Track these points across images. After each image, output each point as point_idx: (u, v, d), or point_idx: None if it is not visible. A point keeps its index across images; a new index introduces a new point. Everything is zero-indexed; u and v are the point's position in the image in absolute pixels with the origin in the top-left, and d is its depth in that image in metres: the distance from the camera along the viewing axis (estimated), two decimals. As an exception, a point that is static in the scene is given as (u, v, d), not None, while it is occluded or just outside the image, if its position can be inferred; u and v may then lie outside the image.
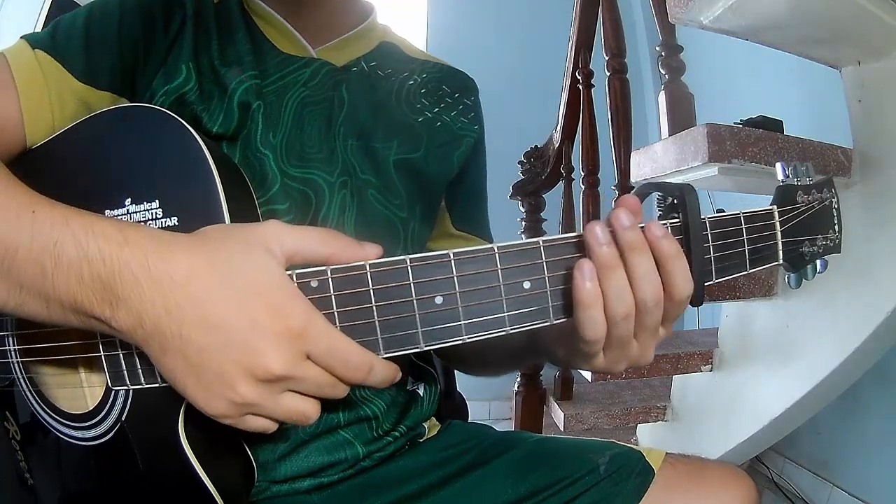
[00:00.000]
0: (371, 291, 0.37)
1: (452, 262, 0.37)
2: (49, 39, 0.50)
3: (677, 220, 0.41)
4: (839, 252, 0.49)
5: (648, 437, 1.65)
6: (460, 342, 0.38)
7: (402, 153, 0.59)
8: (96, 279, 0.34)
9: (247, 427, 0.37)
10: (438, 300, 0.37)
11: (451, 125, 0.65)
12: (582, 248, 0.38)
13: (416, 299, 0.37)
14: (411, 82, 0.65)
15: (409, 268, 0.37)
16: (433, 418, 0.68)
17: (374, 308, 0.37)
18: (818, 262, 0.48)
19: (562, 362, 0.46)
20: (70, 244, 0.34)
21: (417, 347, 0.38)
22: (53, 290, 0.34)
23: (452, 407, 0.79)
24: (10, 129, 0.47)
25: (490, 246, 0.38)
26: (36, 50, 0.49)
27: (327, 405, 0.54)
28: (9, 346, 0.48)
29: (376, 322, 0.37)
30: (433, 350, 0.72)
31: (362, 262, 0.37)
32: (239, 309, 0.34)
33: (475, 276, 0.38)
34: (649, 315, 0.39)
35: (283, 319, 0.34)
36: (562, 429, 1.56)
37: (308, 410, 0.37)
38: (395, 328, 0.37)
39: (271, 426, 0.37)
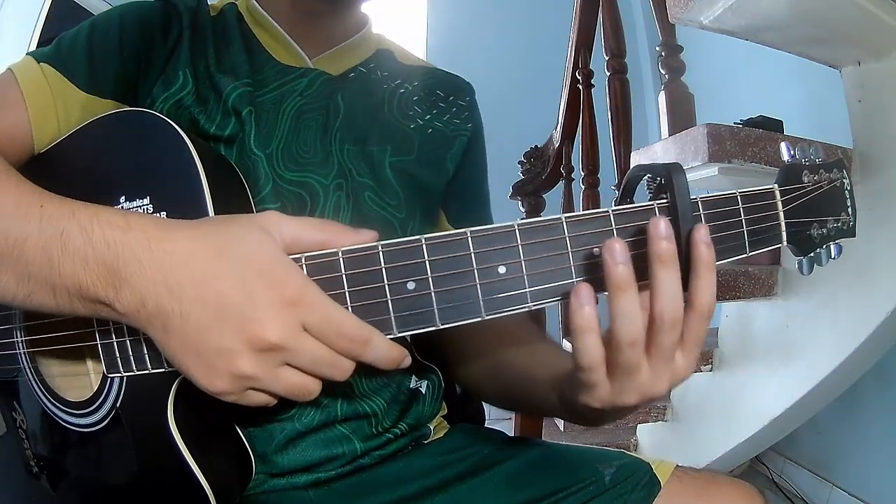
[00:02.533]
0: (343, 276, 0.37)
1: (424, 246, 0.37)
2: (53, 54, 0.53)
3: (666, 201, 0.39)
4: (854, 236, 0.46)
5: (648, 437, 1.64)
6: (434, 329, 0.38)
7: (397, 156, 0.61)
8: (100, 263, 0.35)
9: (249, 402, 0.38)
10: (411, 286, 0.37)
11: (443, 130, 0.66)
12: (558, 231, 0.38)
13: (388, 284, 0.37)
14: (403, 90, 0.66)
15: (380, 253, 0.37)
16: (443, 420, 0.67)
17: (347, 294, 0.37)
18: (832, 246, 0.45)
19: (567, 404, 0.44)
20: (76, 232, 0.36)
21: (391, 333, 0.38)
22: (60, 277, 0.36)
23: (472, 411, 0.78)
24: (20, 140, 0.50)
25: (463, 230, 0.37)
26: (41, 64, 0.52)
27: (327, 395, 0.55)
28: (16, 337, 0.50)
29: (349, 308, 0.37)
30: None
31: (335, 249, 0.37)
32: (236, 283, 0.35)
33: (447, 260, 0.37)
34: (665, 335, 0.36)
35: (279, 289, 0.35)
36: (562, 429, 1.57)
37: (309, 384, 0.37)
38: (368, 314, 0.37)
39: (272, 400, 0.38)
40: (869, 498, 1.57)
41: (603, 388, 0.38)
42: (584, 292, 0.35)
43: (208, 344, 0.35)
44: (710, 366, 1.41)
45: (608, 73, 1.49)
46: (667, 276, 0.35)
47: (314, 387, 0.38)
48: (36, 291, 0.37)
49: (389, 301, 0.37)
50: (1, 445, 0.56)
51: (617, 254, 0.35)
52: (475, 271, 0.37)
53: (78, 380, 0.47)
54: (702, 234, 0.36)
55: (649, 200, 0.40)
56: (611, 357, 0.37)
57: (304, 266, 0.37)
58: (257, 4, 0.62)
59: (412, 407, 0.61)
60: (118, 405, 0.44)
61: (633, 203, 0.39)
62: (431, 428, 0.64)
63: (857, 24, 1.01)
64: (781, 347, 1.26)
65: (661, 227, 0.35)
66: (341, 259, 0.37)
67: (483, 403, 0.81)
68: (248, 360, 0.35)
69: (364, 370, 0.39)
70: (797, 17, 1.00)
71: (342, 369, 0.37)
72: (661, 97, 1.40)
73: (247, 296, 0.35)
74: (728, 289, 1.25)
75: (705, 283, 0.36)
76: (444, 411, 0.69)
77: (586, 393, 0.39)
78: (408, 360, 0.39)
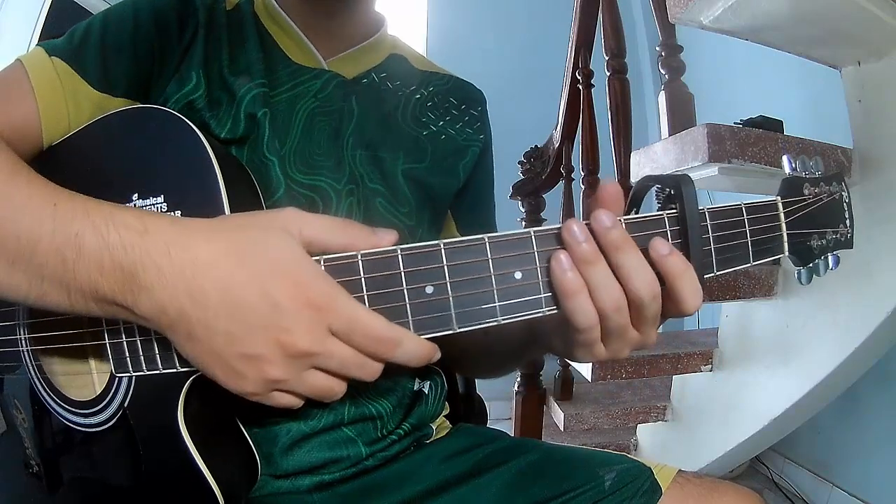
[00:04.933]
0: (362, 280, 0.37)
1: (443, 251, 0.38)
2: (65, 47, 0.51)
3: (675, 211, 0.40)
4: (851, 247, 0.47)
5: (648, 438, 1.65)
6: (451, 332, 0.38)
7: (409, 164, 0.60)
8: (118, 268, 0.34)
9: (274, 403, 0.38)
10: (429, 290, 0.37)
11: (455, 137, 0.66)
12: None
13: (407, 289, 0.37)
14: (418, 96, 0.66)
15: (399, 257, 0.37)
16: (445, 420, 0.67)
17: (366, 297, 0.37)
18: (830, 257, 0.46)
19: (563, 354, 0.46)
20: (91, 234, 0.35)
21: None
22: (75, 279, 0.35)
23: (472, 410, 0.78)
24: (30, 135, 0.49)
25: (481, 236, 0.38)
26: (53, 58, 0.50)
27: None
28: (20, 335, 0.49)
29: None
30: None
31: (355, 252, 0.37)
32: (260, 290, 0.34)
33: (466, 265, 0.38)
34: (647, 309, 0.38)
35: (305, 295, 0.35)
36: (562, 429, 1.57)
37: (334, 386, 0.38)
38: (386, 317, 0.37)
39: (297, 402, 0.38)
40: (869, 498, 1.57)
41: (600, 347, 0.41)
42: (564, 258, 0.37)
43: (236, 351, 0.35)
44: (710, 366, 1.42)
45: (608, 73, 1.48)
46: (627, 258, 0.37)
47: (339, 388, 0.38)
48: (50, 292, 0.36)
49: (408, 304, 0.37)
50: (1, 444, 0.56)
51: (576, 233, 0.37)
52: (492, 276, 0.38)
53: (79, 378, 0.47)
54: (660, 250, 0.38)
55: (658, 210, 0.41)
56: (601, 324, 0.39)
57: (322, 268, 0.37)
58: (274, 1, 0.61)
59: (415, 408, 0.61)
60: (126, 405, 0.44)
61: (639, 213, 0.40)
62: (434, 428, 0.64)
63: (857, 24, 1.01)
64: (781, 347, 1.27)
65: (603, 220, 0.37)
66: (360, 262, 0.37)
67: (484, 403, 0.82)
68: (277, 365, 0.35)
69: None
70: (797, 17, 1.00)
71: (371, 370, 0.37)
72: (661, 97, 1.40)
73: (272, 303, 0.34)
74: (728, 289, 1.25)
75: (683, 288, 0.38)
76: (447, 411, 0.69)
77: (586, 352, 0.42)
78: (438, 355, 0.39)
